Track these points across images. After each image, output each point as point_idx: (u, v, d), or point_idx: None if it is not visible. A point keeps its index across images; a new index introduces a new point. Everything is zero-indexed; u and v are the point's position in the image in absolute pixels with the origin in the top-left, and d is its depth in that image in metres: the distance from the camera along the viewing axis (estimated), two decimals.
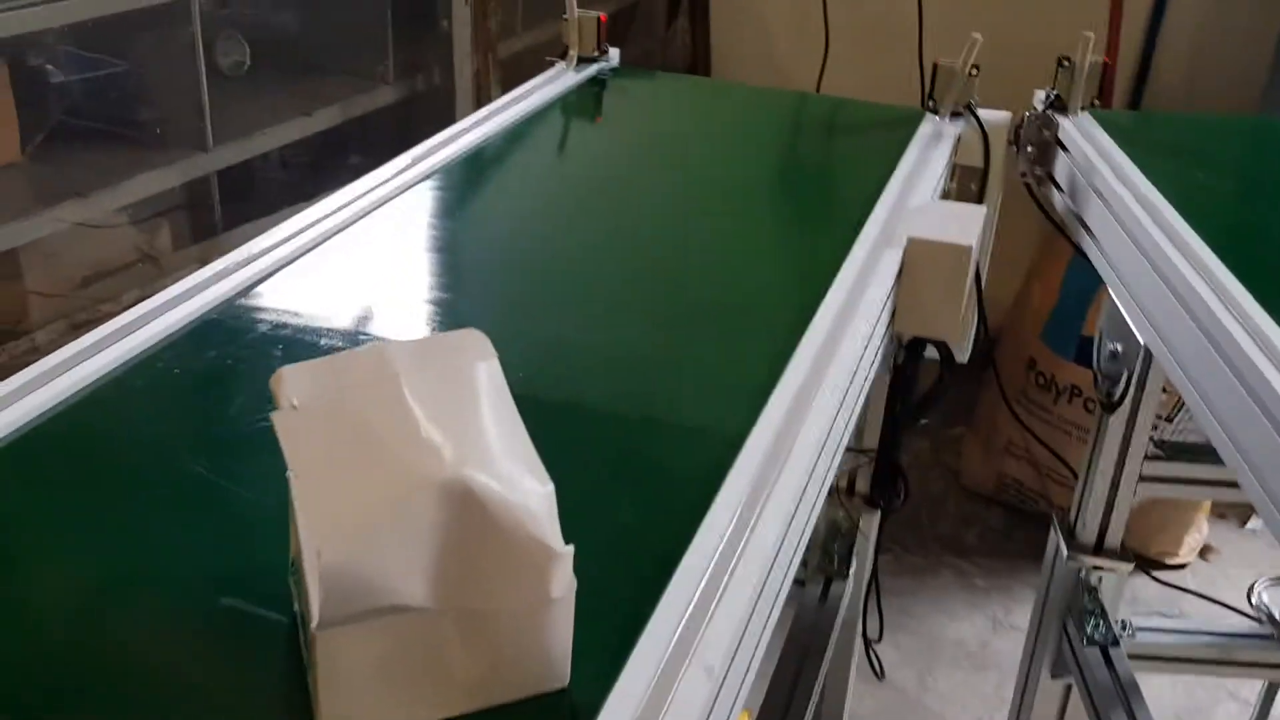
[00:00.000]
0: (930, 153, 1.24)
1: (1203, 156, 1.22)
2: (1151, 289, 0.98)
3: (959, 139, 1.31)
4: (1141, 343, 1.00)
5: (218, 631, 0.54)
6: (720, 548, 0.61)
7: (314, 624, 0.45)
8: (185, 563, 0.59)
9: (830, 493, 1.25)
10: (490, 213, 1.07)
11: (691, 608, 0.57)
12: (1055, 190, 1.29)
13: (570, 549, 0.48)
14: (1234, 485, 0.75)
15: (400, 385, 0.50)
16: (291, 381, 0.51)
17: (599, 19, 1.43)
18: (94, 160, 1.49)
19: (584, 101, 1.40)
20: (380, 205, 1.05)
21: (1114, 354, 1.06)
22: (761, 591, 0.61)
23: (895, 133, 1.29)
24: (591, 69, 1.46)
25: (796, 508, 0.69)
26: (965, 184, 1.32)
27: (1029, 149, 1.32)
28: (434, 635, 0.48)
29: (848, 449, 1.08)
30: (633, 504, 0.66)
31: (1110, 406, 1.07)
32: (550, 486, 0.48)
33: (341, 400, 0.50)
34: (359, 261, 0.95)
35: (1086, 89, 1.29)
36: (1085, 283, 1.99)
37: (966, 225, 1.01)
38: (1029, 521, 2.18)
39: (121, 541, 0.60)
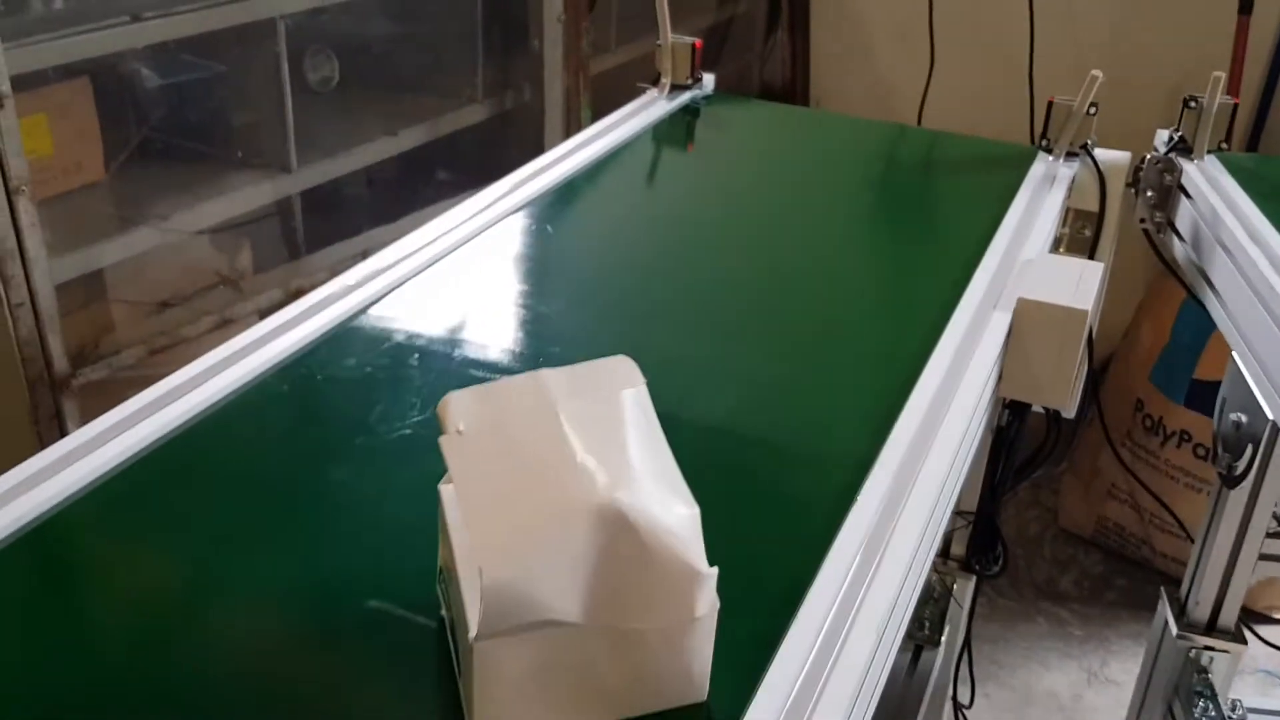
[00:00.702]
0: (1043, 198, 1.16)
1: None
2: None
3: (1073, 181, 1.23)
4: (1270, 417, 0.92)
5: (369, 634, 0.58)
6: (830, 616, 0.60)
7: (472, 635, 0.49)
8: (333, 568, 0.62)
9: None
10: (586, 246, 1.03)
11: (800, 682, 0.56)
12: (1176, 239, 1.20)
13: (714, 570, 0.51)
14: None
15: (557, 411, 0.53)
16: (457, 406, 0.54)
17: (694, 45, 1.38)
18: (176, 179, 1.48)
19: (677, 131, 1.35)
20: (477, 235, 1.02)
21: (1237, 425, 0.98)
22: (870, 664, 0.59)
23: (1006, 174, 1.22)
24: (685, 96, 1.41)
25: (906, 576, 0.65)
26: (1078, 229, 1.23)
27: (1149, 194, 1.23)
28: (583, 649, 0.51)
29: None
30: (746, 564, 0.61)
31: (1232, 481, 0.99)
32: (696, 510, 0.51)
33: (503, 425, 0.53)
34: (461, 289, 0.91)
35: (1214, 131, 1.20)
36: (1200, 324, 1.88)
37: (1082, 285, 0.94)
38: (1129, 568, 2.08)
39: (273, 546, 0.64)
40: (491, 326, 0.88)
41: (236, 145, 1.58)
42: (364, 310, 0.89)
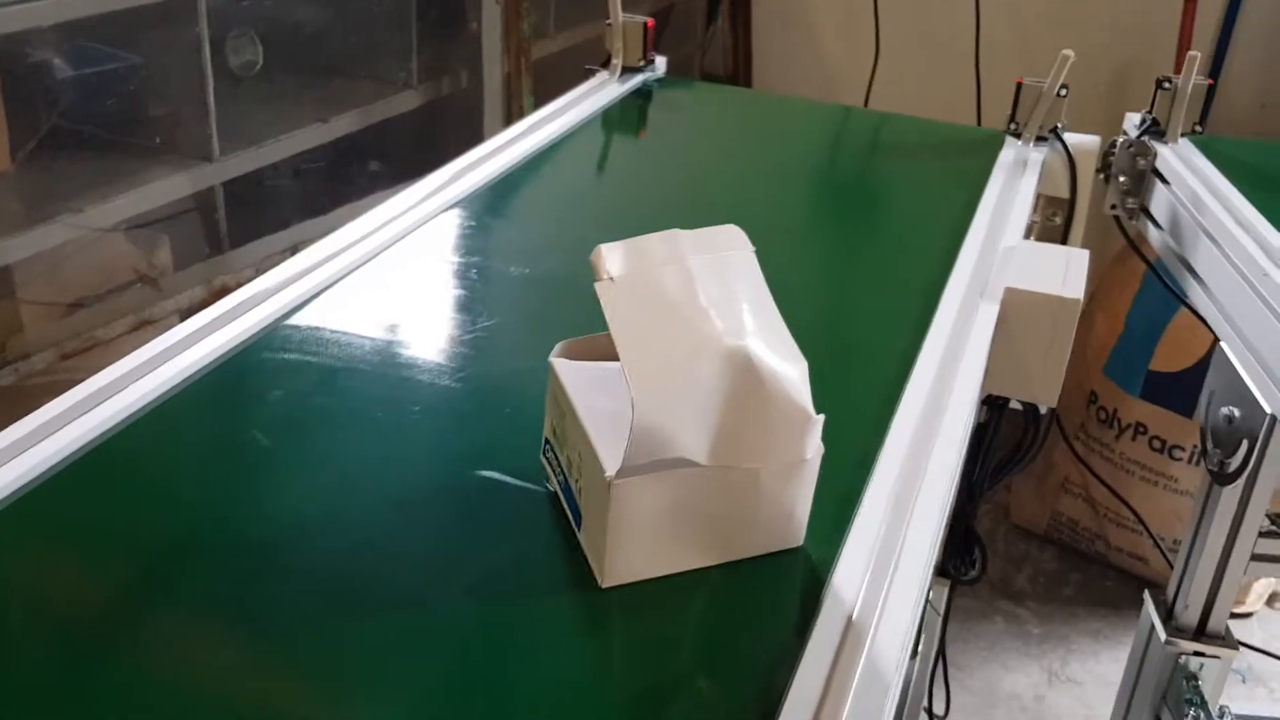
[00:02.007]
0: (1016, 183, 1.11)
1: None
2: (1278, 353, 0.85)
3: (1043, 165, 1.18)
4: (1267, 410, 0.87)
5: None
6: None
7: (611, 473, 0.52)
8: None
9: None
10: (534, 241, 0.95)
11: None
12: (1151, 225, 1.16)
13: (822, 416, 0.55)
14: None
15: (689, 267, 0.57)
16: (608, 257, 0.57)
17: (645, 25, 1.31)
18: (90, 170, 1.37)
19: (630, 115, 1.27)
20: (413, 230, 0.93)
21: (1229, 419, 0.93)
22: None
23: (975, 158, 1.16)
24: (637, 79, 1.34)
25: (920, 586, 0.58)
26: (1049, 216, 1.19)
27: (1120, 179, 1.19)
28: (706, 489, 0.54)
29: None
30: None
31: (1224, 479, 0.94)
32: (805, 364, 0.55)
33: (646, 275, 0.56)
34: (395, 291, 0.82)
35: (1189, 114, 1.16)
36: (1153, 313, 1.86)
37: (1072, 273, 0.89)
38: (1084, 563, 2.05)
39: None
40: (427, 333, 0.80)
41: (155, 133, 1.47)
42: (289, 314, 0.80)
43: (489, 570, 0.56)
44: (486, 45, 1.76)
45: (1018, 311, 0.86)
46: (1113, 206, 1.21)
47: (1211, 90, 2.34)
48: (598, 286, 0.56)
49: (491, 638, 0.52)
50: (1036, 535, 2.11)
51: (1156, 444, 1.87)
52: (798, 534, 0.58)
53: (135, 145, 1.43)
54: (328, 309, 0.81)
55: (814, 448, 0.56)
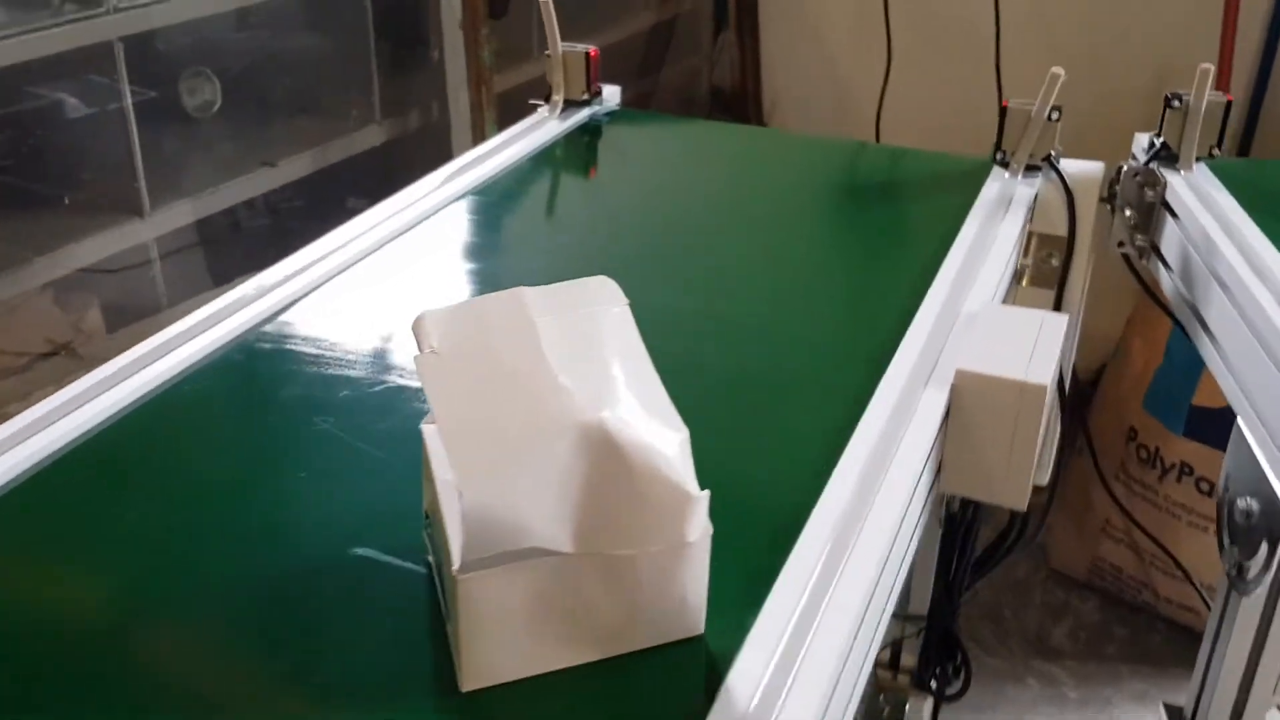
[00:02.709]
0: (995, 226, 0.95)
1: None
2: None
3: (1036, 199, 1.02)
4: None
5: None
6: None
7: (455, 566, 0.46)
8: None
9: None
10: (457, 291, 0.82)
11: None
12: (1162, 267, 0.99)
13: (706, 493, 0.49)
14: None
15: (537, 330, 0.51)
16: (432, 324, 0.51)
17: (588, 54, 1.17)
18: (8, 228, 1.27)
19: (569, 155, 1.14)
20: (320, 284, 0.81)
21: (1247, 514, 0.77)
22: None
23: (954, 195, 1.01)
24: (582, 113, 1.20)
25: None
26: (1044, 258, 1.02)
27: (1127, 212, 1.02)
28: (573, 580, 0.49)
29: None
30: None
31: (1244, 585, 0.78)
32: (685, 432, 0.49)
33: (480, 344, 0.51)
34: (296, 345, 0.70)
35: (1203, 135, 0.99)
36: None
37: (1041, 347, 0.73)
38: (1129, 615, 1.87)
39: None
40: (327, 388, 0.67)
41: (80, 187, 1.37)
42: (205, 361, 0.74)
43: (346, 670, 0.50)
44: (451, 75, 1.63)
45: (972, 399, 0.71)
46: (1120, 244, 1.04)
47: (1260, 96, 2.15)
48: (416, 361, 0.50)
49: None
50: (1077, 582, 1.93)
51: (1204, 486, 1.68)
52: (695, 623, 0.52)
53: (60, 200, 1.33)
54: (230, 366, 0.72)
55: (698, 528, 0.49)
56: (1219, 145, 1.00)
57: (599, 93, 1.21)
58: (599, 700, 0.49)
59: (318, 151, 1.59)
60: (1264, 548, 0.75)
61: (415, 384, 0.72)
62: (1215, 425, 1.64)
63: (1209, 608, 1.66)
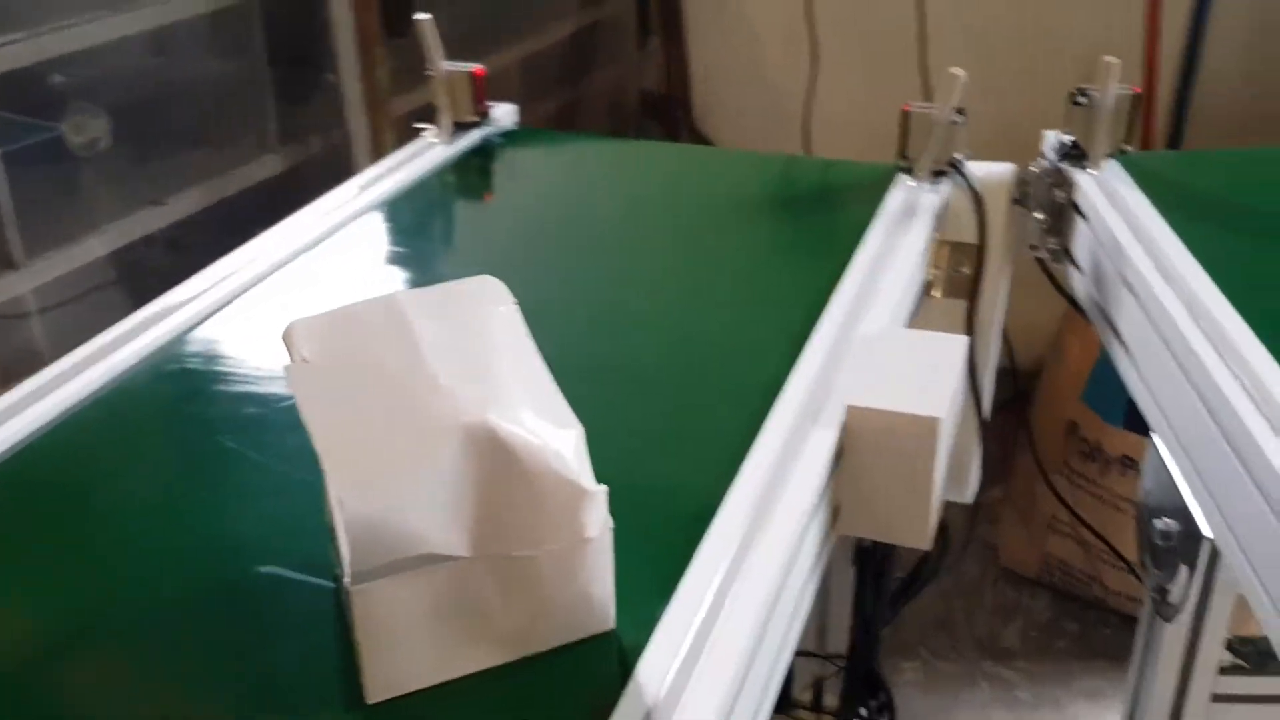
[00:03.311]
0: (899, 238, 0.90)
1: None
2: (1217, 459, 0.65)
3: (945, 207, 0.97)
4: (1208, 534, 0.67)
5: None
6: None
7: (346, 578, 0.45)
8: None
9: (788, 710, 0.93)
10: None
11: None
12: (1076, 273, 0.95)
13: (603, 488, 0.48)
14: None
15: (415, 332, 0.50)
16: (302, 333, 0.50)
17: (472, 74, 1.11)
18: None
19: (454, 183, 1.08)
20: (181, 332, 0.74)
21: (1165, 535, 0.72)
22: None
23: (856, 206, 0.96)
24: (473, 135, 1.14)
25: None
26: (955, 267, 0.98)
27: (1038, 215, 0.98)
28: (472, 584, 0.47)
29: (802, 653, 0.77)
30: None
31: (1166, 610, 0.73)
32: (579, 428, 0.48)
33: (355, 351, 0.50)
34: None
35: (1111, 131, 0.95)
36: None
37: (938, 375, 0.68)
38: (1079, 610, 1.83)
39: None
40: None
41: None
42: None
43: (254, 687, 0.49)
44: (349, 98, 1.57)
45: (864, 436, 0.66)
46: (1032, 246, 1.00)
47: (1188, 79, 2.12)
48: (286, 371, 0.49)
49: None
50: (1028, 580, 1.90)
51: None
52: (603, 618, 0.51)
53: None
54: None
55: (598, 524, 0.48)
56: (1129, 140, 0.96)
57: (487, 113, 1.15)
58: (509, 702, 0.49)
59: (211, 185, 1.52)
60: (1183, 571, 0.71)
61: None
62: None
63: (1154, 602, 1.62)
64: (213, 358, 0.77)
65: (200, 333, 0.80)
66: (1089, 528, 1.64)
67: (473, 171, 1.11)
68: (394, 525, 0.44)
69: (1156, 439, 0.76)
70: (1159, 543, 0.73)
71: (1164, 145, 2.12)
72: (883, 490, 0.66)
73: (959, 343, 0.72)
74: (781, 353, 0.73)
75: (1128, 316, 0.81)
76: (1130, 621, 1.77)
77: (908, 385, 0.67)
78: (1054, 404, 1.77)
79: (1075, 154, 0.97)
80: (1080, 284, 0.94)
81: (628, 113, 2.60)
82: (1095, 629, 1.79)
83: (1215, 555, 0.67)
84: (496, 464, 0.46)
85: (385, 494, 0.44)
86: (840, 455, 0.66)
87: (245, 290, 0.86)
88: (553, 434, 0.47)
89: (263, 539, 0.58)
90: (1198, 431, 0.68)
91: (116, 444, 0.68)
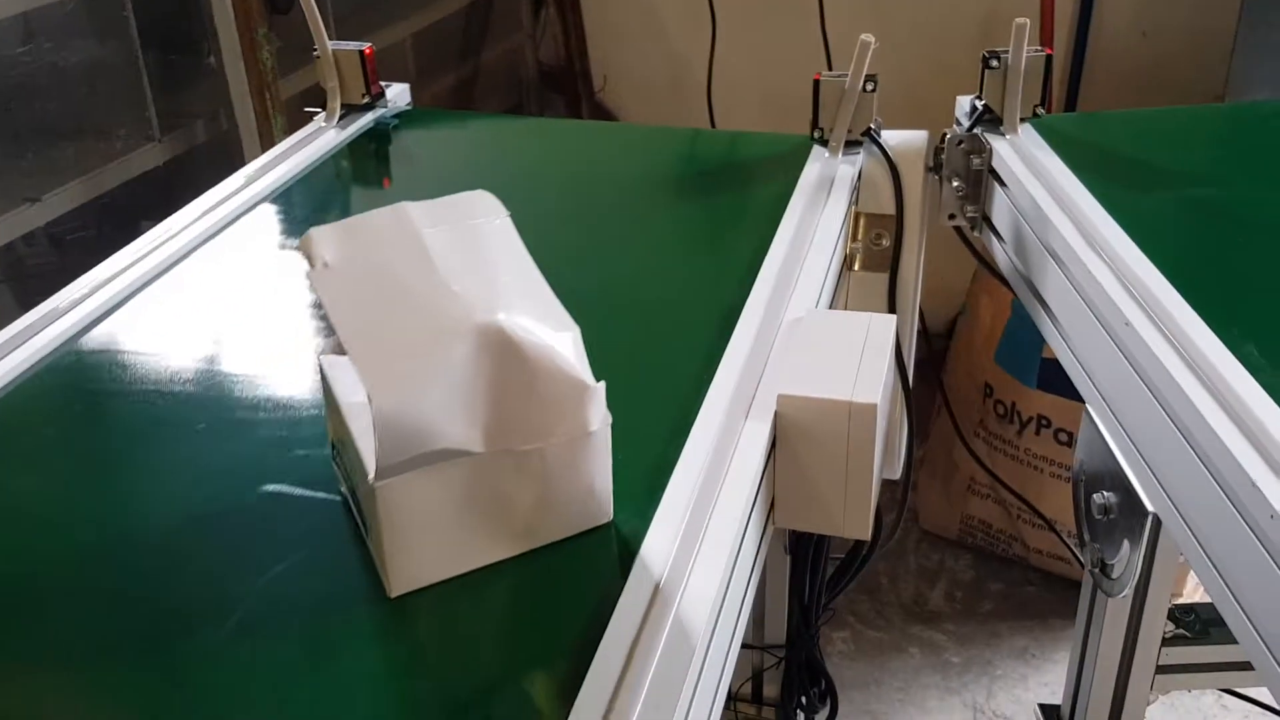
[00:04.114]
0: (816, 212, 0.87)
1: (1214, 179, 0.86)
2: (1155, 430, 0.63)
3: (860, 177, 0.95)
4: (1149, 508, 0.65)
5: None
6: None
7: (372, 476, 0.47)
8: None
9: (727, 703, 0.90)
10: (190, 376, 0.70)
11: None
12: (995, 240, 0.93)
13: (602, 384, 0.51)
14: None
15: (423, 240, 0.52)
16: (320, 241, 0.52)
17: (362, 54, 1.06)
18: None
19: (350, 169, 1.02)
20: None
21: (1104, 509, 0.71)
22: None
23: (772, 181, 0.93)
24: (365, 119, 1.09)
25: None
26: (874, 239, 0.95)
27: (955, 183, 0.96)
28: (485, 478, 0.50)
29: (743, 646, 0.74)
30: None
31: (1109, 585, 0.72)
32: (576, 330, 0.50)
33: (370, 257, 0.51)
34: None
35: (1026, 94, 0.93)
36: None
37: (869, 357, 0.66)
38: (1002, 568, 1.85)
39: None
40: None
41: None
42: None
43: (276, 589, 0.51)
44: (233, 82, 1.49)
45: (797, 426, 0.63)
46: (951, 217, 0.98)
47: (1087, 13, 2.13)
48: (309, 276, 0.51)
49: (279, 658, 0.48)
50: (949, 541, 1.91)
51: (1063, 437, 1.66)
52: (603, 509, 0.54)
53: None
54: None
55: (599, 417, 0.52)
56: (1043, 104, 0.94)
57: (381, 94, 1.09)
58: (522, 590, 0.51)
59: (89, 180, 1.43)
60: (1125, 546, 0.69)
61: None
62: (1067, 378, 1.61)
63: (1078, 560, 1.64)
64: (107, 366, 0.71)
65: (88, 339, 0.74)
66: (1010, 489, 1.65)
67: (367, 156, 1.05)
68: (419, 422, 0.47)
69: (1090, 410, 0.74)
70: (1098, 517, 0.72)
71: (1062, 98, 2.13)
72: (820, 481, 0.64)
73: (887, 322, 0.69)
74: (707, 341, 0.70)
75: (1054, 286, 0.79)
76: (1052, 579, 1.79)
77: (840, 371, 0.64)
78: (968, 366, 1.78)
79: (989, 118, 0.95)
80: (1001, 252, 0.92)
81: (527, 86, 2.54)
82: (1019, 588, 1.81)
83: (1158, 526, 0.65)
84: (506, 362, 0.48)
85: (411, 393, 0.47)
86: (773, 446, 0.64)
87: (134, 293, 0.79)
88: (554, 335, 0.50)
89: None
90: (1134, 402, 0.66)
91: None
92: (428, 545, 0.50)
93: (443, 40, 2.25)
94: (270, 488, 0.58)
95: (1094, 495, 0.72)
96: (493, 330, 0.48)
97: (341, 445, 0.54)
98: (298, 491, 0.57)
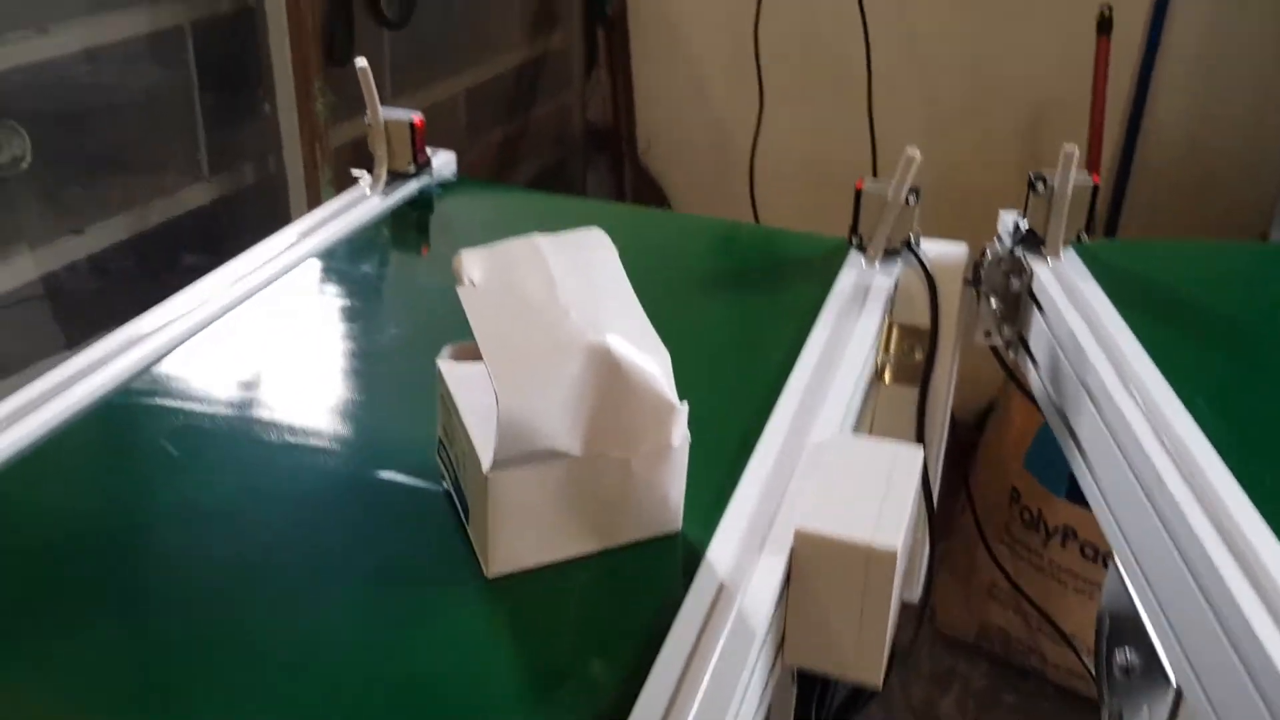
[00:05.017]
0: (851, 322, 0.86)
1: (1261, 325, 0.84)
2: (1184, 598, 0.61)
3: (896, 287, 0.94)
4: (1173, 682, 0.63)
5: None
6: None
7: (487, 466, 0.55)
8: None
9: None
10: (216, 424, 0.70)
11: None
12: (1032, 367, 0.92)
13: (685, 405, 0.58)
14: None
15: (549, 267, 0.60)
16: (469, 262, 0.60)
17: (413, 124, 1.06)
18: None
19: (390, 236, 1.02)
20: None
21: (1126, 670, 0.68)
22: None
23: (806, 286, 0.92)
24: (410, 186, 1.09)
25: None
26: (905, 351, 0.94)
27: (993, 302, 0.94)
28: (577, 478, 0.58)
29: None
30: None
31: None
32: (667, 354, 0.58)
33: (506, 280, 0.60)
34: None
35: (1070, 220, 0.92)
36: None
37: (894, 495, 0.64)
38: (1018, 679, 1.81)
39: None
40: None
41: None
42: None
43: (384, 563, 0.60)
44: (285, 128, 1.50)
45: (813, 564, 0.61)
46: (986, 334, 0.96)
47: (1135, 126, 2.12)
48: (459, 291, 0.59)
49: (383, 625, 0.56)
50: (966, 645, 1.87)
51: (1089, 551, 1.63)
52: (674, 519, 0.62)
53: None
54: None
55: (680, 435, 0.59)
56: (1087, 230, 0.93)
57: (427, 163, 1.09)
58: (600, 582, 0.59)
59: (135, 214, 1.44)
60: (1145, 711, 0.67)
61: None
62: None
63: (1095, 681, 1.60)
64: (162, 404, 0.70)
65: (144, 379, 0.74)
66: (1030, 601, 1.61)
67: (409, 225, 1.05)
68: (533, 423, 0.54)
69: (1117, 562, 0.72)
70: (1119, 676, 0.69)
71: (1107, 200, 2.12)
72: (834, 622, 0.62)
73: (914, 455, 0.68)
74: (725, 462, 0.69)
75: (1087, 424, 0.77)
76: (1069, 696, 1.75)
77: (862, 506, 0.62)
78: (996, 468, 1.75)
79: (1031, 240, 0.94)
80: (1036, 378, 0.90)
81: (573, 144, 2.56)
82: (1035, 702, 1.77)
83: (1179, 699, 0.63)
84: (608, 378, 0.56)
85: (530, 397, 0.54)
86: (788, 579, 0.62)
87: (192, 334, 0.81)
88: (648, 358, 0.57)
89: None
90: (1163, 566, 0.64)
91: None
92: (525, 532, 0.58)
93: (495, 96, 2.27)
94: (383, 473, 0.67)
95: (1116, 650, 0.69)
96: (600, 349, 0.56)
97: (450, 441, 0.63)
98: (408, 480, 0.66)
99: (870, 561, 0.60)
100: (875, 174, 2.04)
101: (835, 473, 0.66)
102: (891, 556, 0.59)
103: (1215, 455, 0.66)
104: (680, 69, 2.38)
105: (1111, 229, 2.11)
